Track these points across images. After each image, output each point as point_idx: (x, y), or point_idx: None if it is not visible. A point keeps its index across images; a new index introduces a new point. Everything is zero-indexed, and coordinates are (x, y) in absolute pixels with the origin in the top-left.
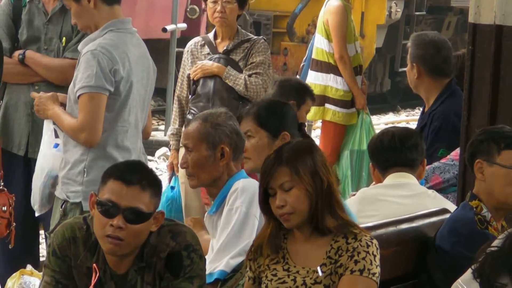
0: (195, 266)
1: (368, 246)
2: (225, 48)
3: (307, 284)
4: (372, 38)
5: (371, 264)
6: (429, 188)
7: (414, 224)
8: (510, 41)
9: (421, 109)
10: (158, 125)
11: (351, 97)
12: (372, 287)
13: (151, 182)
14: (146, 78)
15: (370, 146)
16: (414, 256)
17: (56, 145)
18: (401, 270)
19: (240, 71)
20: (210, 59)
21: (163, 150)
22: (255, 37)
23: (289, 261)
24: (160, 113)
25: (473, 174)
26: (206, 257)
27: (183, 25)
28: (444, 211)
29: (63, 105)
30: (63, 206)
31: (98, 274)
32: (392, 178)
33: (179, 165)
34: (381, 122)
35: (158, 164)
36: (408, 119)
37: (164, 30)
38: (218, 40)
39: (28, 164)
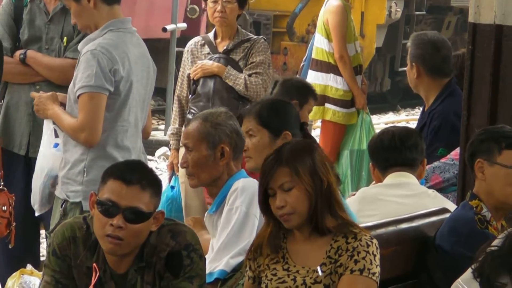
0: (195, 265)
1: (368, 245)
2: (225, 47)
3: (307, 284)
4: (372, 37)
5: (371, 263)
6: (429, 187)
7: (414, 224)
8: (510, 40)
9: (421, 108)
10: (158, 124)
11: (351, 97)
12: (372, 286)
13: (151, 181)
14: (146, 78)
15: (370, 146)
16: (414, 255)
17: (56, 145)
18: (401, 269)
19: (240, 70)
20: (210, 59)
21: (163, 149)
22: (255, 36)
23: (289, 260)
24: (160, 112)
25: (473, 174)
26: (206, 256)
27: (183, 25)
28: (444, 210)
29: (63, 105)
30: (63, 206)
31: (98, 274)
32: (392, 178)
33: (179, 165)
34: (381, 121)
35: (158, 164)
36: (408, 118)
37: (164, 29)
38: (218, 40)
39: (29, 163)
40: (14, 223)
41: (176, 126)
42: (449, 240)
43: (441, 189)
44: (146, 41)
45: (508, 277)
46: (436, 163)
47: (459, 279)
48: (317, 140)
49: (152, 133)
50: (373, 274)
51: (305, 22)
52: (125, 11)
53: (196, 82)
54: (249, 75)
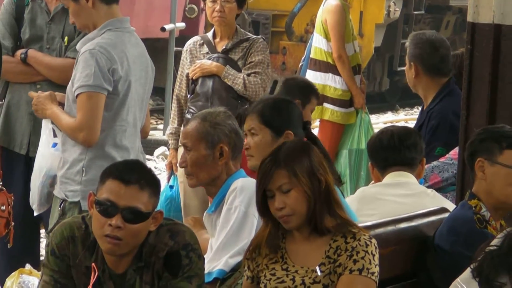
0: (193, 265)
1: (367, 245)
2: (224, 47)
3: (306, 284)
4: (371, 37)
5: (370, 263)
6: (428, 187)
7: (413, 223)
8: (508, 40)
9: (419, 108)
10: (157, 124)
11: (350, 97)
12: (371, 286)
13: (150, 181)
14: (144, 78)
15: (369, 145)
16: (413, 255)
17: (55, 145)
18: (400, 269)
19: (239, 70)
20: (209, 58)
21: (161, 149)
22: (254, 36)
23: (287, 260)
24: (158, 112)
25: (472, 173)
26: (205, 256)
27: (181, 25)
28: (443, 210)
29: (61, 104)
30: (61, 205)
31: (97, 274)
32: (391, 177)
33: (178, 164)
34: (380, 121)
35: (157, 163)
36: (407, 118)
37: (163, 29)
38: (217, 40)
39: (29, 163)
40: (13, 223)
41: (175, 125)
42: (448, 240)
43: (440, 188)
44: (145, 40)
45: (507, 277)
46: (435, 163)
47: (458, 279)
48: None
49: (151, 132)
50: (372, 273)
51: (303, 22)
52: (124, 10)
53: (195, 81)
54: (248, 75)
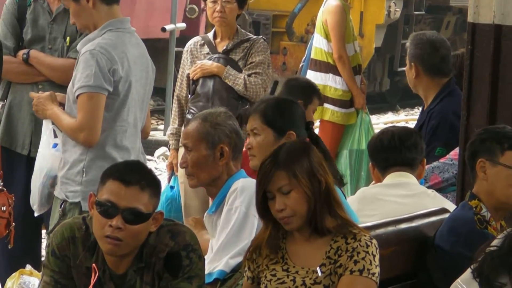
0: (194, 266)
1: (367, 246)
2: (224, 47)
3: (306, 285)
4: (371, 37)
5: (370, 264)
6: (428, 187)
7: (413, 224)
8: (509, 40)
9: (420, 108)
10: (158, 124)
11: (350, 97)
12: (372, 287)
13: (150, 182)
14: (145, 78)
15: (370, 146)
16: (413, 255)
17: (55, 145)
18: (400, 269)
19: (240, 70)
20: (209, 59)
21: (162, 149)
22: (255, 36)
23: (288, 261)
24: (159, 112)
25: (472, 174)
26: (206, 257)
27: (182, 25)
28: (443, 210)
29: (62, 105)
30: (62, 206)
31: (97, 274)
32: (392, 178)
33: (178, 165)
34: (380, 121)
35: (158, 164)
36: (407, 118)
37: (163, 29)
38: (218, 40)
39: (30, 163)
40: (14, 224)
41: (176, 126)
42: (448, 240)
43: (441, 189)
44: (145, 41)
45: (507, 277)
46: (435, 163)
47: (458, 279)
48: None
49: (152, 133)
50: (373, 274)
51: (304, 22)
52: (125, 11)
53: (195, 82)
54: (249, 75)
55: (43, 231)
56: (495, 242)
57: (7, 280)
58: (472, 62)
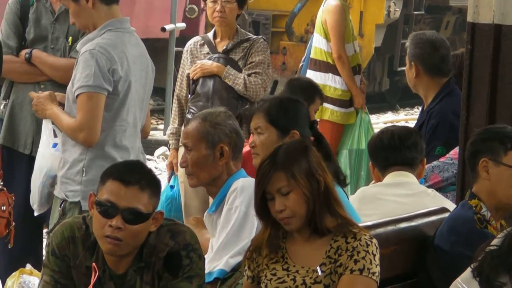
0: (194, 265)
1: (367, 245)
2: (224, 47)
3: (306, 284)
4: (371, 37)
5: (370, 263)
6: (428, 187)
7: (413, 223)
8: (508, 40)
9: (420, 108)
10: (157, 124)
11: (350, 97)
12: (372, 286)
13: (150, 182)
14: (144, 78)
15: (370, 145)
16: (413, 255)
17: (55, 145)
18: (400, 269)
19: (240, 70)
20: (209, 59)
21: (162, 149)
22: (255, 36)
23: (288, 260)
24: (159, 112)
25: (472, 173)
26: (206, 256)
27: (182, 25)
28: (443, 210)
29: (62, 104)
30: (62, 206)
31: (97, 274)
32: (392, 177)
33: (178, 164)
34: (380, 121)
35: (157, 164)
36: (407, 118)
37: (163, 29)
38: (218, 40)
39: (32, 163)
40: (14, 223)
41: (176, 125)
42: (448, 240)
43: (440, 188)
44: (145, 41)
45: (507, 277)
46: (435, 163)
47: (458, 279)
48: None
49: (151, 132)
50: (373, 273)
51: (304, 22)
52: (124, 11)
53: (195, 81)
54: (249, 75)
55: (45, 231)
56: (495, 242)
57: (7, 279)
58: (471, 62)
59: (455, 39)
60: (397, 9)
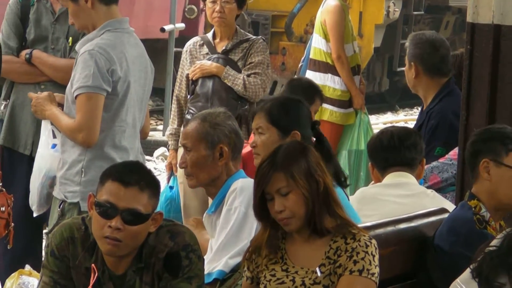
0: (193, 266)
1: (367, 246)
2: (224, 48)
3: (306, 285)
4: (370, 37)
5: (370, 264)
6: (427, 187)
7: (413, 224)
8: (508, 40)
9: (419, 108)
10: (157, 125)
11: (349, 97)
12: (371, 287)
13: (150, 183)
14: (143, 78)
15: (369, 146)
16: (413, 255)
17: (54, 146)
18: (400, 269)
19: (239, 71)
20: (209, 59)
21: (161, 150)
22: (254, 37)
23: (287, 261)
24: (158, 113)
25: (472, 173)
26: (205, 257)
27: (181, 25)
28: (442, 210)
29: (61, 105)
30: (61, 206)
31: (97, 274)
32: (391, 178)
33: (178, 165)
34: (379, 121)
35: (157, 164)
36: (406, 118)
37: (162, 30)
38: (217, 40)
39: (32, 163)
40: (13, 224)
41: (175, 126)
42: (448, 240)
43: (440, 189)
44: (144, 41)
45: (506, 277)
46: (434, 163)
47: (457, 279)
48: None
49: (151, 133)
50: (372, 274)
51: (303, 22)
52: (123, 11)
53: (194, 82)
54: (248, 76)
55: (44, 231)
56: (494, 242)
57: (6, 280)
58: (471, 62)
59: (455, 39)
60: (396, 9)
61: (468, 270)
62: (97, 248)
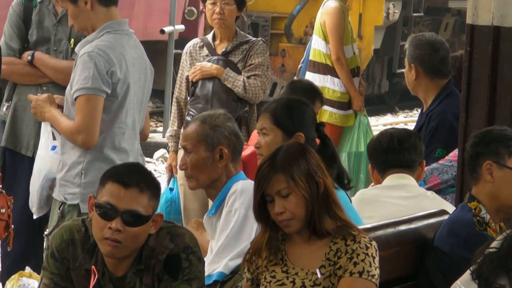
0: (193, 268)
1: (367, 247)
2: (223, 49)
3: (306, 286)
4: (370, 39)
5: (370, 266)
6: (427, 189)
7: (412, 226)
8: (507, 42)
9: (419, 110)
10: (157, 126)
11: (348, 99)
12: None
13: (150, 184)
14: (143, 80)
15: (369, 147)
16: (413, 257)
17: (54, 147)
18: (400, 271)
19: (239, 72)
20: (208, 61)
21: (161, 151)
22: (254, 38)
23: (287, 263)
24: (158, 114)
25: (471, 175)
26: (205, 258)
27: (181, 27)
28: (442, 212)
29: (60, 107)
30: (60, 208)
31: (97, 276)
32: (391, 179)
33: (178, 167)
34: (379, 123)
35: (157, 166)
36: (406, 120)
37: (162, 31)
38: (217, 42)
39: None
40: (13, 226)
41: (175, 128)
42: (447, 242)
43: (440, 190)
44: (144, 43)
45: (506, 279)
46: (434, 165)
47: (457, 281)
48: None
49: (151, 135)
50: (372, 276)
51: (303, 24)
52: (123, 13)
53: (194, 84)
54: (248, 77)
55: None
56: (494, 244)
57: (7, 282)
58: (470, 64)
59: (454, 41)
60: (396, 11)
61: (468, 272)
62: (97, 250)
